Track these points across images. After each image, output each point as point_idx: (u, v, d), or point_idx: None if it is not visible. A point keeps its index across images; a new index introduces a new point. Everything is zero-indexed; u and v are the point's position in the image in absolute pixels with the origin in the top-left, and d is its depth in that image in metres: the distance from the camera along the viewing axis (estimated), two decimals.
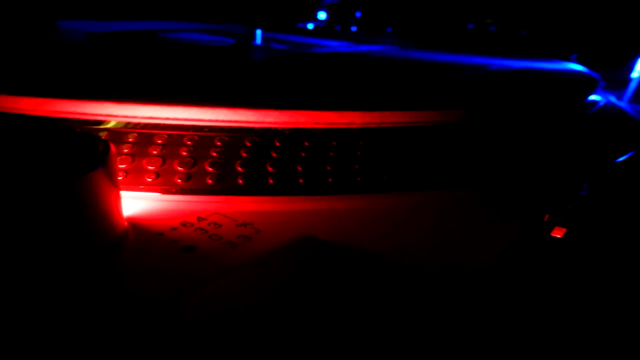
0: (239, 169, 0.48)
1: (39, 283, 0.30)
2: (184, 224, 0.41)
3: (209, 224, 0.42)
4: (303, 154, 0.51)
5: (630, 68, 1.16)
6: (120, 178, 0.46)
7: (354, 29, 2.28)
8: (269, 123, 0.51)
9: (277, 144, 0.51)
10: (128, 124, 0.50)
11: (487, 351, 0.30)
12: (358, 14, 2.31)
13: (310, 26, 2.20)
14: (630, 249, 0.44)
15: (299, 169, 0.50)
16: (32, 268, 0.30)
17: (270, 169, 0.49)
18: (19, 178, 0.29)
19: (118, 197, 0.38)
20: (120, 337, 0.28)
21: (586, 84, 0.88)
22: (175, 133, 0.50)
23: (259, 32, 1.24)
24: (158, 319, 0.30)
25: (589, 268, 0.40)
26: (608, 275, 0.39)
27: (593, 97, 0.87)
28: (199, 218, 0.43)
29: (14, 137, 0.38)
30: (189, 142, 0.49)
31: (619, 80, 1.16)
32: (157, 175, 0.47)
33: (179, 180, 0.47)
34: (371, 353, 0.29)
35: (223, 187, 0.47)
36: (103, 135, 0.49)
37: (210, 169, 0.48)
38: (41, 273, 0.30)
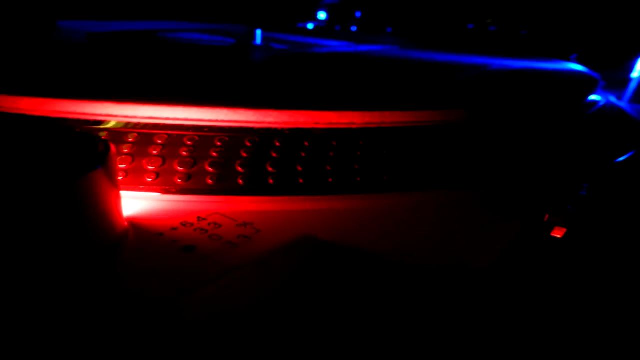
0: (239, 169, 0.48)
1: (39, 283, 0.30)
2: (184, 224, 0.41)
3: (209, 224, 0.42)
4: (303, 154, 0.51)
5: (630, 68, 1.16)
6: (120, 178, 0.46)
7: (354, 29, 2.28)
8: (269, 123, 0.51)
9: (277, 144, 0.51)
10: (128, 124, 0.50)
11: (487, 351, 0.30)
12: (358, 14, 2.31)
13: (310, 26, 2.20)
14: (630, 249, 0.43)
15: (299, 169, 0.50)
16: (32, 268, 0.30)
17: (270, 169, 0.49)
18: (19, 178, 0.29)
19: (118, 197, 0.38)
20: (120, 337, 0.28)
21: (586, 84, 0.88)
22: (175, 133, 0.50)
23: (259, 32, 1.24)
24: (158, 319, 0.30)
25: (589, 268, 0.40)
26: (608, 275, 0.39)
27: (593, 97, 0.87)
28: (199, 218, 0.43)
29: (14, 137, 0.38)
30: (189, 142, 0.49)
31: (619, 80, 1.16)
32: (157, 175, 0.47)
33: (179, 180, 0.47)
34: (371, 353, 0.29)
35: (223, 187, 0.47)
36: (103, 135, 0.49)
37: (210, 169, 0.48)
38: (41, 273, 0.30)
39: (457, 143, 0.59)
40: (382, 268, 0.38)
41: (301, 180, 0.49)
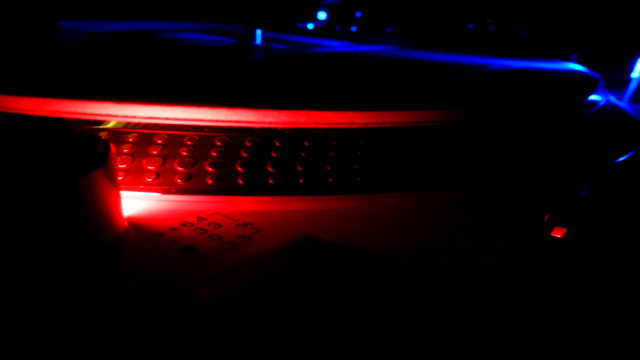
0: (239, 169, 0.48)
1: (38, 283, 0.30)
2: (184, 224, 0.41)
3: (209, 224, 0.42)
4: (303, 154, 0.51)
5: (630, 68, 1.16)
6: (120, 178, 0.46)
7: (354, 29, 2.28)
8: (269, 123, 0.51)
9: (277, 144, 0.51)
10: (128, 124, 0.50)
11: (487, 351, 0.30)
12: (358, 14, 2.31)
13: (310, 26, 2.20)
14: (630, 249, 0.44)
15: (299, 169, 0.50)
16: (31, 268, 0.30)
17: (270, 169, 0.49)
18: (19, 178, 0.29)
19: (118, 197, 0.38)
20: (120, 337, 0.28)
21: (586, 84, 0.88)
22: (175, 133, 0.50)
23: (259, 32, 1.24)
24: (158, 318, 0.30)
25: (589, 268, 0.40)
26: (608, 275, 0.39)
27: (593, 97, 0.87)
28: (199, 218, 0.43)
29: (14, 137, 0.38)
30: (189, 142, 0.49)
31: (619, 80, 1.16)
32: (157, 175, 0.47)
33: (179, 180, 0.47)
34: (371, 353, 0.29)
35: (223, 187, 0.47)
36: (103, 135, 0.49)
37: (210, 169, 0.48)
38: (41, 273, 0.30)
39: (457, 143, 0.59)
40: (382, 268, 0.38)
41: (301, 180, 0.49)
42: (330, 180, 0.50)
